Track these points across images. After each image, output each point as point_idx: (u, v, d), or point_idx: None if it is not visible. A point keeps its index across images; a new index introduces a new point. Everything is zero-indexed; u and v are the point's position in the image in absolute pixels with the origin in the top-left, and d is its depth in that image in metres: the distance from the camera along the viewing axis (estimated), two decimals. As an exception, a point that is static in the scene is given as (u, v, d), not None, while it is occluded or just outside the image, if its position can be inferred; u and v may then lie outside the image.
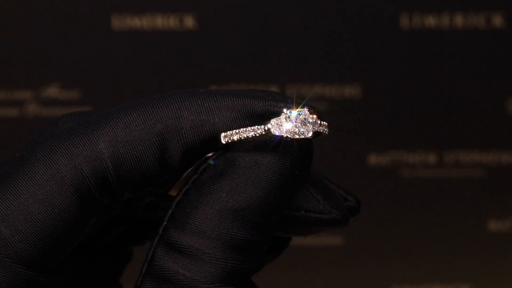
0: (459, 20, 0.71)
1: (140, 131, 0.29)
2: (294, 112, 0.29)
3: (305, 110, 0.29)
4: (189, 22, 0.70)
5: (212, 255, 0.28)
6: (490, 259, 0.76)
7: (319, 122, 0.29)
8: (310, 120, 0.29)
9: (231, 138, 0.28)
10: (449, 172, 0.75)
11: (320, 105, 0.72)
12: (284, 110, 0.29)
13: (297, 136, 0.28)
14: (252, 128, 0.28)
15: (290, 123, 0.28)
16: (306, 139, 0.29)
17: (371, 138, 0.74)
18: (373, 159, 0.74)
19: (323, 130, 0.29)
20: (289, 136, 0.28)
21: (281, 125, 0.28)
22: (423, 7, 0.71)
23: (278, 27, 0.71)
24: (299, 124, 0.29)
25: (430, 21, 0.71)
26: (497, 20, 0.71)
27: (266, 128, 0.28)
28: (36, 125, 0.71)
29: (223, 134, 0.29)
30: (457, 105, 0.73)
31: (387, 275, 0.77)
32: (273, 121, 0.28)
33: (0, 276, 0.28)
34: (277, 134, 0.28)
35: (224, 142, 0.28)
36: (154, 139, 0.28)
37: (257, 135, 0.28)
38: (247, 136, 0.28)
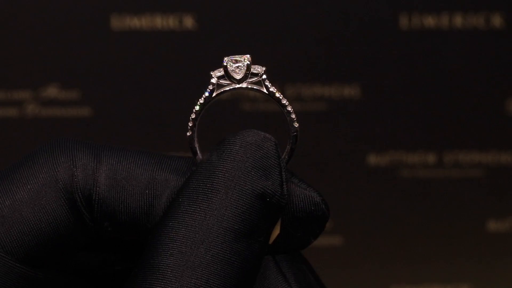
0: (458, 20, 0.71)
1: (143, 171, 0.29)
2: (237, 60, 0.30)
3: (248, 57, 0.30)
4: (189, 22, 0.70)
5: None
6: (490, 259, 0.76)
7: (259, 73, 0.30)
8: (243, 69, 0.30)
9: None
10: (449, 172, 0.75)
11: (320, 105, 0.72)
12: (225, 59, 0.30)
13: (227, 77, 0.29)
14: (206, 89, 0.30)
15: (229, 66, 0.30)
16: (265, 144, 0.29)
17: (371, 138, 0.74)
18: (373, 159, 0.74)
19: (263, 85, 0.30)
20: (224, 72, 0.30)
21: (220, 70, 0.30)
22: (422, 7, 0.71)
23: (277, 27, 0.71)
24: (233, 68, 0.30)
25: (430, 21, 0.71)
26: (497, 21, 0.71)
27: (215, 78, 0.30)
28: (36, 125, 0.71)
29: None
30: (457, 105, 0.73)
31: (386, 275, 0.77)
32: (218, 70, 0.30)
33: None
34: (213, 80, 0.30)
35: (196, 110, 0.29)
36: (151, 185, 0.29)
37: (210, 88, 0.30)
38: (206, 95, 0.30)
